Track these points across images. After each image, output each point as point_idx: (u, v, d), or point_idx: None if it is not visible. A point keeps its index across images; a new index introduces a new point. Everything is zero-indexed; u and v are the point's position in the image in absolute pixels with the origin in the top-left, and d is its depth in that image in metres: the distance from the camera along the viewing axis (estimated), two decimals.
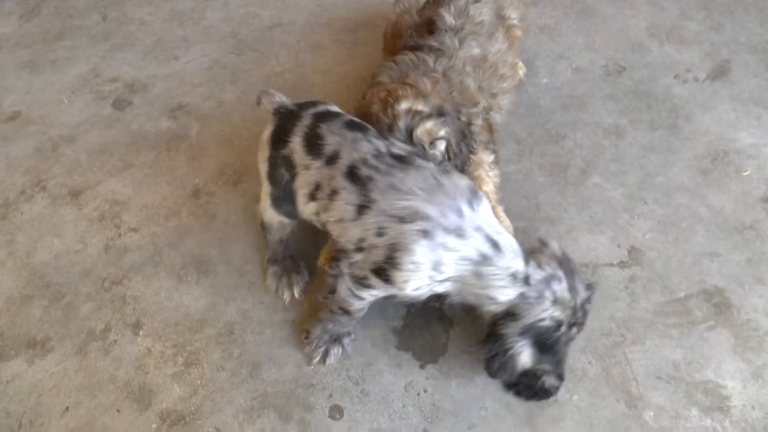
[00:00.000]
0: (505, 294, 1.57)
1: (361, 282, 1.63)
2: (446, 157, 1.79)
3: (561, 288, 1.60)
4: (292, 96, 1.85)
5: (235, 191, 2.23)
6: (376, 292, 1.65)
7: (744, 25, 2.71)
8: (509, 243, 1.59)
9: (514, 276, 1.56)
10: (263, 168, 1.79)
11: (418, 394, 1.79)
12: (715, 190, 2.19)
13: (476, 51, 2.04)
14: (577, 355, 1.83)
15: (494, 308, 1.61)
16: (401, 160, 1.61)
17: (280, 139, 1.72)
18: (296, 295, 1.98)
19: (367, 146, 1.63)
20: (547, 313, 1.58)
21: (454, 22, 2.08)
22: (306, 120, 1.71)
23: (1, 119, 2.50)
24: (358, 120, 1.73)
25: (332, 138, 1.65)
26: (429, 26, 2.10)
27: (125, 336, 1.93)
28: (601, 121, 2.39)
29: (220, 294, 2.00)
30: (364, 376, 1.82)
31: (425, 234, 1.51)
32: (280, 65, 2.64)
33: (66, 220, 2.20)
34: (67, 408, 1.80)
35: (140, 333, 1.93)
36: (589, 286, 1.68)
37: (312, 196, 1.66)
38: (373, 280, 1.60)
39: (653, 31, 2.72)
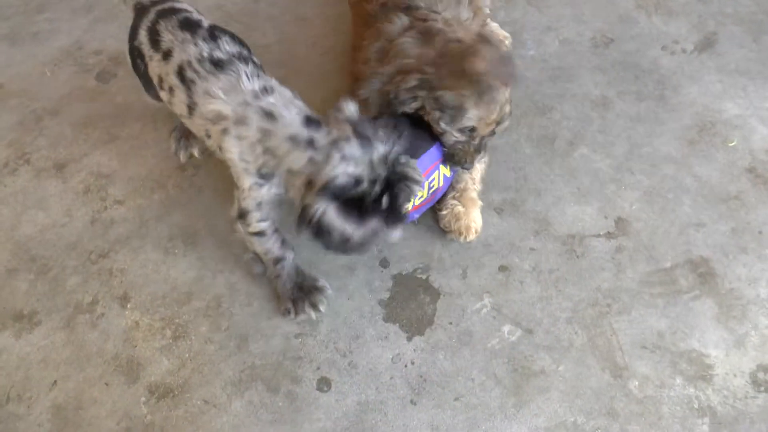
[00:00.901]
0: (295, 161, 1.58)
1: (242, 214, 1.78)
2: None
3: (350, 146, 1.54)
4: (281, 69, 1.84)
5: (221, 164, 2.18)
6: (254, 215, 1.75)
7: None
8: (286, 111, 1.62)
9: (294, 140, 1.58)
10: (130, 61, 1.95)
11: (405, 366, 1.80)
12: (702, 161, 2.20)
13: (451, 14, 2.04)
14: (563, 326, 1.85)
15: (297, 182, 1.60)
16: (218, 65, 1.72)
17: (133, 31, 1.88)
18: (196, 154, 2.18)
19: (194, 49, 1.74)
20: (338, 170, 1.52)
21: None
22: (151, 15, 1.85)
23: None
24: (194, 18, 1.84)
25: (167, 35, 1.79)
26: None
27: (113, 309, 1.92)
28: (588, 93, 2.38)
29: (208, 266, 2.00)
30: (352, 348, 1.83)
31: (225, 131, 1.66)
32: (265, 38, 2.61)
33: (51, 193, 2.18)
34: (55, 381, 1.80)
35: (128, 306, 1.93)
36: (391, 142, 1.62)
37: (160, 87, 1.84)
38: (237, 193, 1.76)
39: (641, 2, 2.71)
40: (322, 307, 1.87)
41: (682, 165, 2.18)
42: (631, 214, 2.07)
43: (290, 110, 1.63)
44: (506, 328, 1.85)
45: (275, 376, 1.79)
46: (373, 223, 1.61)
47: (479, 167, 2.04)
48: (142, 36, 1.84)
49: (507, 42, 2.48)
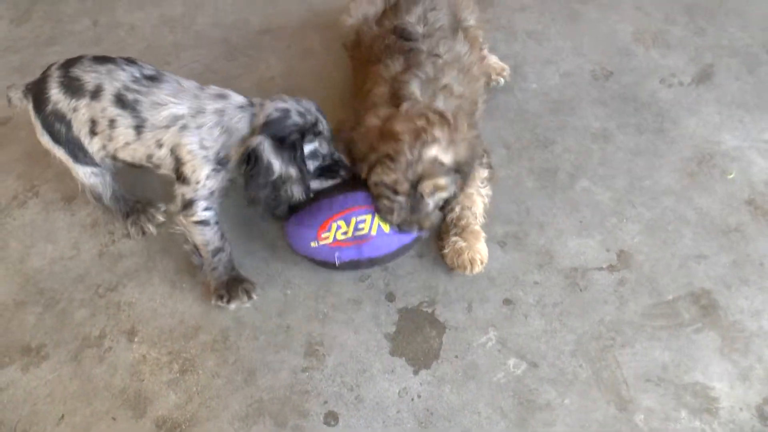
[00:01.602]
0: (241, 123, 1.81)
1: (187, 205, 1.88)
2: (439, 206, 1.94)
3: (283, 99, 1.84)
4: None
5: (226, 198, 2.23)
6: (200, 204, 1.88)
7: (726, 29, 2.76)
8: (229, 91, 1.87)
9: (242, 107, 1.82)
10: (46, 139, 1.94)
11: (412, 400, 1.81)
12: (701, 193, 2.23)
13: (451, 55, 2.09)
14: (567, 359, 1.86)
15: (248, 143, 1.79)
16: (153, 79, 1.85)
17: (40, 102, 1.89)
18: (152, 230, 2.17)
19: (123, 74, 1.84)
20: (270, 109, 1.80)
21: (422, 28, 2.15)
22: (55, 74, 1.88)
23: None
24: (100, 55, 1.91)
25: (89, 76, 1.84)
26: (398, 33, 2.14)
27: (120, 343, 1.94)
28: (588, 126, 2.42)
29: None
30: (359, 382, 1.84)
31: (184, 128, 1.80)
32: (270, 70, 2.65)
33: (59, 225, 2.20)
34: (63, 416, 1.81)
35: (135, 339, 1.94)
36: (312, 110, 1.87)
37: (93, 132, 1.87)
38: (183, 190, 1.86)
39: (639, 35, 2.76)
40: (254, 295, 1.97)
41: (682, 197, 2.21)
42: (633, 247, 2.09)
43: (230, 90, 1.87)
44: (511, 362, 1.87)
45: (282, 410, 1.80)
46: (296, 171, 1.81)
47: (480, 201, 2.07)
48: (55, 95, 1.86)
49: (506, 73, 2.52)
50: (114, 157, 1.93)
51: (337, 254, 1.93)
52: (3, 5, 3.01)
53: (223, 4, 2.99)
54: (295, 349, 1.90)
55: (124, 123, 1.82)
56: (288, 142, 1.79)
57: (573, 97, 2.52)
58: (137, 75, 1.85)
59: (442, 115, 1.83)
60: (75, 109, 1.85)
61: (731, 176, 2.27)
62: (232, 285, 1.96)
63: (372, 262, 1.97)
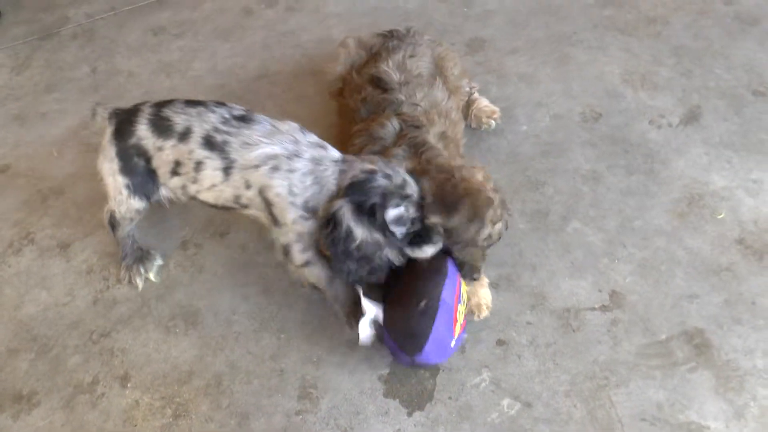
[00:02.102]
0: (332, 178, 1.77)
1: (286, 251, 1.88)
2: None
3: (369, 158, 1.80)
4: None
5: (222, 243, 2.26)
6: (295, 248, 1.86)
7: (712, 70, 2.81)
8: (330, 145, 1.86)
9: (336, 162, 1.80)
10: (114, 166, 1.95)
11: None
12: (692, 233, 2.25)
13: (428, 102, 2.14)
14: (561, 399, 1.86)
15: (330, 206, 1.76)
16: (244, 120, 1.85)
17: (124, 133, 1.92)
18: (152, 278, 2.17)
19: (213, 116, 1.85)
20: (356, 169, 1.76)
21: (398, 76, 2.19)
22: (146, 110, 1.92)
23: None
24: (192, 99, 1.94)
25: (179, 117, 1.86)
26: (375, 82, 2.19)
27: (113, 388, 1.93)
28: (579, 167, 2.45)
29: (208, 345, 2.02)
30: (353, 424, 1.84)
31: (275, 169, 1.77)
32: (266, 115, 2.69)
33: (54, 272, 2.22)
34: None
35: (128, 385, 1.94)
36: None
37: (174, 173, 1.89)
38: (276, 233, 1.86)
39: (627, 77, 2.81)
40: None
41: (673, 237, 2.23)
42: (625, 287, 2.10)
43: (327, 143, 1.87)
44: (505, 402, 1.86)
45: None
46: (379, 236, 1.75)
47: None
48: (144, 131, 1.89)
49: (497, 116, 2.56)
50: (193, 198, 1.94)
51: (464, 335, 1.91)
52: (4, 54, 3.08)
53: (220, 50, 3.05)
54: (289, 393, 1.90)
55: (212, 165, 1.83)
56: (368, 206, 1.72)
57: (563, 139, 2.56)
58: (227, 116, 1.86)
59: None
60: (160, 149, 1.88)
61: (721, 216, 2.29)
62: (356, 311, 1.91)
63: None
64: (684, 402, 1.86)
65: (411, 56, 2.27)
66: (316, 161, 1.78)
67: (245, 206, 1.87)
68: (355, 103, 2.18)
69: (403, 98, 2.11)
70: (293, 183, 1.77)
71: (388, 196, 1.72)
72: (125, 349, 2.02)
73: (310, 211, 1.80)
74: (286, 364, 1.96)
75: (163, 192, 1.98)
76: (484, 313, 2.00)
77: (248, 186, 1.81)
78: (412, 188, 1.76)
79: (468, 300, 1.93)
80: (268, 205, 1.82)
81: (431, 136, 1.96)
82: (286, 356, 1.98)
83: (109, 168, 1.96)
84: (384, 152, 1.94)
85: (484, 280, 2.05)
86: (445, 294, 1.79)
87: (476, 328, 2.01)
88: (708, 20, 3.08)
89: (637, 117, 2.65)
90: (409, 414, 1.85)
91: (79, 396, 1.92)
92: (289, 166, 1.77)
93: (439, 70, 2.33)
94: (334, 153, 1.83)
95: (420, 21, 3.06)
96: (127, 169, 1.94)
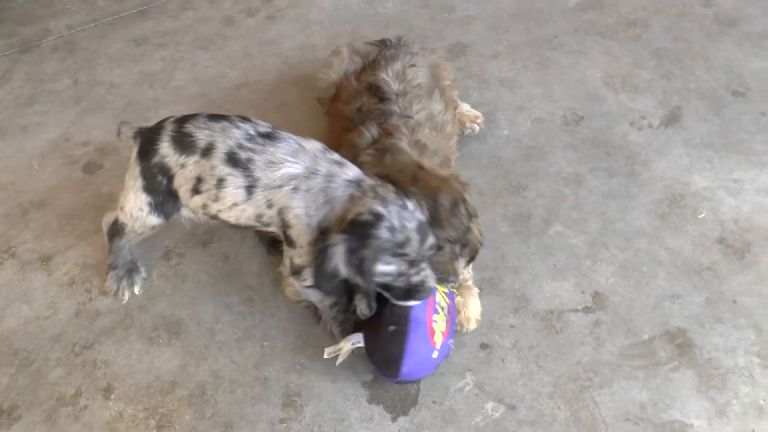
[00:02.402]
0: (342, 200, 1.71)
1: (296, 271, 1.83)
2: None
3: (387, 190, 1.70)
4: None
5: (205, 252, 2.25)
6: (308, 270, 1.79)
7: (692, 72, 2.84)
8: (352, 164, 1.80)
9: (350, 182, 1.73)
10: (138, 183, 1.90)
11: None
12: (674, 233, 2.26)
13: (424, 114, 2.13)
14: (545, 401, 1.86)
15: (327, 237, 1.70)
16: (269, 137, 1.80)
17: (148, 151, 1.86)
18: (136, 292, 2.15)
19: (238, 132, 1.79)
20: (365, 206, 1.66)
21: (397, 86, 2.18)
22: (169, 127, 1.86)
23: None
24: (216, 113, 1.88)
25: (201, 132, 1.81)
26: (373, 90, 2.18)
27: (96, 400, 1.92)
28: (561, 170, 2.46)
29: (192, 354, 2.01)
30: (337, 431, 1.83)
31: (295, 189, 1.73)
32: None
33: (36, 285, 2.20)
34: None
35: (111, 397, 1.93)
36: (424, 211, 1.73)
37: (196, 190, 1.83)
38: (291, 253, 1.81)
39: (608, 80, 2.83)
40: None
41: (655, 238, 2.24)
42: (608, 288, 2.11)
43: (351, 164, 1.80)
44: (489, 405, 1.86)
45: None
46: (363, 284, 1.71)
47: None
48: (166, 149, 1.83)
49: (480, 120, 2.57)
50: (214, 217, 1.88)
51: (450, 341, 1.89)
52: None
53: (201, 59, 3.05)
54: (273, 401, 1.89)
55: (235, 183, 1.77)
56: (359, 256, 1.65)
57: (545, 142, 2.57)
58: (252, 132, 1.80)
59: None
60: (183, 165, 1.82)
61: (702, 216, 2.30)
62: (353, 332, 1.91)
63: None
64: (667, 401, 1.86)
65: (411, 66, 2.27)
66: (329, 178, 1.73)
67: (267, 225, 1.82)
68: (351, 112, 2.17)
69: (398, 110, 2.10)
70: (309, 203, 1.73)
71: (380, 252, 1.64)
72: (108, 361, 2.00)
73: (323, 233, 1.74)
74: (270, 373, 1.95)
75: (184, 213, 1.94)
76: (472, 326, 2.00)
77: (270, 206, 1.76)
78: (413, 247, 1.65)
79: (448, 305, 1.91)
80: (285, 226, 1.77)
81: (404, 143, 1.95)
82: (269, 364, 1.97)
83: (133, 185, 1.92)
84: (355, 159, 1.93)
85: (474, 291, 2.04)
86: (416, 312, 1.79)
87: (459, 333, 2.01)
88: (687, 23, 3.11)
89: (619, 119, 2.66)
90: (394, 419, 1.85)
91: (61, 409, 1.90)
92: (306, 186, 1.73)
93: (435, 79, 2.33)
94: (350, 172, 1.75)
95: (401, 27, 3.06)
96: (150, 187, 1.89)
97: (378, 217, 1.63)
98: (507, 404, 1.86)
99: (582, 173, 2.46)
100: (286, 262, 1.86)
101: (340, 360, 1.85)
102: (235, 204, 1.79)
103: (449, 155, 2.17)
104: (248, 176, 1.76)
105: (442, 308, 1.87)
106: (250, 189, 1.77)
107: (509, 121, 2.67)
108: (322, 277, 1.69)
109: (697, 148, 2.54)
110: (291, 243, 1.79)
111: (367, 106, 2.14)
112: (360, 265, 1.65)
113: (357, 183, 1.72)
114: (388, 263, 1.66)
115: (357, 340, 1.84)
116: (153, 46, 3.15)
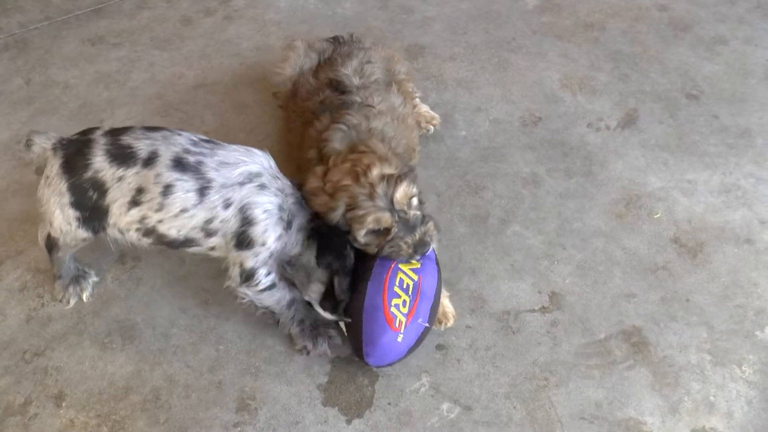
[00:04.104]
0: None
1: (249, 275, 1.83)
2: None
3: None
4: None
5: (160, 255, 2.21)
6: (261, 271, 1.82)
7: (648, 75, 2.88)
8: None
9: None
10: (64, 200, 1.82)
11: None
12: (630, 233, 2.29)
13: (385, 105, 2.14)
14: (501, 401, 1.87)
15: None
16: (213, 142, 1.83)
17: (76, 166, 1.79)
18: (85, 298, 2.11)
19: (181, 138, 1.79)
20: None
21: (357, 81, 2.20)
22: (100, 140, 1.80)
23: None
24: (152, 125, 1.87)
25: (141, 143, 1.77)
26: (334, 86, 2.19)
27: (47, 408, 1.87)
28: (519, 171, 2.48)
29: (146, 360, 1.97)
30: None
31: (262, 187, 1.77)
32: (204, 125, 2.66)
33: None
34: None
35: (63, 404, 1.88)
36: None
37: (134, 203, 1.77)
38: (242, 257, 1.80)
39: (566, 82, 2.86)
40: (336, 340, 1.97)
41: (612, 238, 2.27)
42: (565, 288, 2.13)
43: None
44: (445, 406, 1.86)
45: None
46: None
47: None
48: (99, 162, 1.76)
49: (436, 122, 2.57)
50: (149, 232, 1.81)
51: (420, 320, 1.87)
52: None
53: (159, 59, 3.01)
54: (228, 405, 1.87)
55: (184, 187, 1.74)
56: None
57: (503, 143, 2.59)
58: (195, 138, 1.80)
59: (358, 150, 1.88)
60: (120, 179, 1.75)
61: (657, 216, 2.34)
62: (314, 333, 1.95)
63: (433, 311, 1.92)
64: (622, 399, 1.88)
65: (367, 62, 2.29)
66: (283, 191, 1.82)
67: (210, 234, 1.79)
68: (313, 105, 2.16)
69: (359, 100, 2.11)
70: (281, 202, 1.79)
71: None
72: (60, 368, 1.96)
73: (289, 224, 1.81)
74: (225, 376, 1.93)
75: (110, 232, 1.87)
76: (451, 321, 2.00)
77: (227, 205, 1.75)
78: None
79: (414, 282, 1.87)
80: (246, 224, 1.76)
81: (344, 128, 1.98)
82: (224, 368, 1.95)
83: (57, 201, 1.83)
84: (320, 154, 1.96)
85: (444, 293, 2.03)
86: (370, 298, 1.82)
87: (438, 329, 2.01)
88: (643, 26, 3.16)
89: (576, 121, 2.69)
90: (348, 422, 1.83)
91: (9, 419, 1.85)
92: (276, 186, 1.79)
93: (390, 74, 2.35)
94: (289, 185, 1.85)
95: (358, 27, 3.05)
96: (79, 203, 1.81)
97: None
98: (463, 405, 1.86)
99: (540, 174, 2.47)
100: (235, 271, 1.84)
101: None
102: (183, 210, 1.76)
103: (412, 146, 2.19)
104: (200, 178, 1.74)
105: (405, 289, 1.86)
106: (202, 191, 1.74)
107: (467, 122, 2.68)
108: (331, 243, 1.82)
109: (652, 149, 2.57)
110: (249, 243, 1.78)
111: (330, 100, 2.14)
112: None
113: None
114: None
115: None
116: (109, 45, 3.10)
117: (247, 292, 1.86)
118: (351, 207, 1.80)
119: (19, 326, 2.06)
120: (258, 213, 1.75)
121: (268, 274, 1.84)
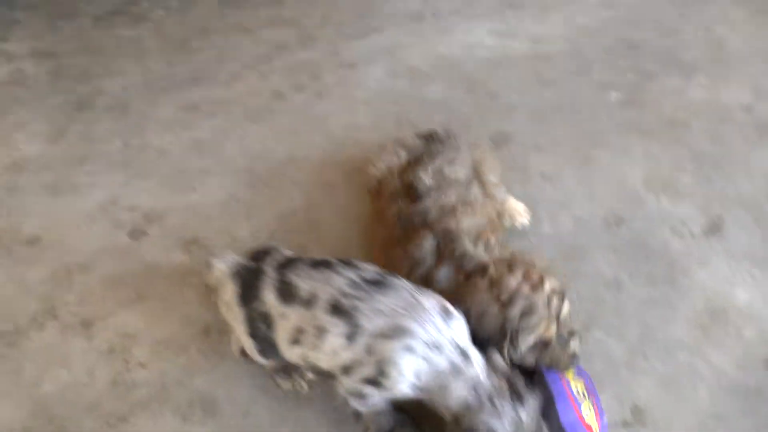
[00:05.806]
0: (455, 393, 1.69)
1: (359, 395, 1.77)
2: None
3: (504, 400, 1.71)
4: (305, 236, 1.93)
5: None
6: (374, 400, 1.77)
7: (731, 179, 2.85)
8: (477, 354, 1.73)
9: (468, 380, 1.69)
10: (243, 327, 1.87)
11: None
12: (716, 348, 2.23)
13: (454, 197, 2.17)
14: None
15: (445, 412, 1.72)
16: (377, 284, 1.74)
17: (250, 296, 1.83)
18: (305, 387, 2.09)
19: (340, 279, 1.75)
20: (478, 419, 1.68)
21: (431, 182, 2.21)
22: (270, 275, 1.82)
23: (21, 242, 2.57)
24: (318, 258, 1.86)
25: (304, 282, 1.77)
26: (407, 191, 2.21)
27: None
28: (601, 273, 2.47)
29: None
30: None
31: (409, 348, 1.66)
32: (293, 203, 2.73)
33: (75, 350, 2.22)
34: None
35: None
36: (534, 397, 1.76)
37: (295, 341, 1.78)
38: (367, 389, 1.73)
39: (649, 182, 2.85)
40: None
41: (696, 351, 2.22)
42: (648, 402, 2.09)
43: (474, 350, 1.75)
44: None
45: None
46: None
47: None
48: (269, 297, 1.80)
49: (527, 216, 2.59)
50: (310, 366, 1.84)
51: (604, 419, 1.90)
52: (42, 124, 3.16)
53: (250, 131, 3.12)
54: None
55: (335, 332, 1.71)
56: None
57: (585, 243, 2.58)
58: (356, 279, 1.74)
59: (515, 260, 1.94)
60: (283, 316, 1.78)
61: (746, 333, 2.28)
62: None
63: None
64: None
65: (450, 163, 2.29)
66: (455, 371, 1.69)
67: (346, 371, 1.75)
68: (391, 218, 2.18)
69: (430, 204, 2.12)
70: (423, 371, 1.68)
71: None
72: None
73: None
74: None
75: (286, 358, 1.88)
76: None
77: (370, 353, 1.68)
78: None
79: (584, 383, 1.93)
80: (380, 375, 1.70)
81: (467, 243, 1.98)
82: None
83: (239, 328, 1.90)
84: (428, 276, 1.95)
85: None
86: (563, 416, 1.82)
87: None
88: (727, 126, 3.14)
89: (659, 224, 2.67)
90: None
91: None
92: (425, 355, 1.67)
93: (476, 174, 2.36)
94: (474, 370, 1.70)
95: (444, 112, 3.12)
96: (254, 334, 1.87)
97: None
98: None
99: (622, 278, 2.45)
100: (344, 393, 1.82)
101: None
102: (333, 351, 1.73)
103: (495, 226, 2.20)
104: (352, 325, 1.70)
105: (582, 393, 1.88)
106: (351, 337, 1.70)
107: (550, 217, 2.68)
108: None
109: (738, 260, 2.53)
110: (377, 385, 1.72)
111: (403, 211, 2.15)
112: None
113: (474, 387, 1.69)
114: None
115: None
116: (203, 114, 3.23)
117: (354, 404, 1.83)
118: (526, 313, 1.82)
119: (105, 388, 2.12)
120: (393, 372, 1.68)
121: (374, 411, 1.85)
